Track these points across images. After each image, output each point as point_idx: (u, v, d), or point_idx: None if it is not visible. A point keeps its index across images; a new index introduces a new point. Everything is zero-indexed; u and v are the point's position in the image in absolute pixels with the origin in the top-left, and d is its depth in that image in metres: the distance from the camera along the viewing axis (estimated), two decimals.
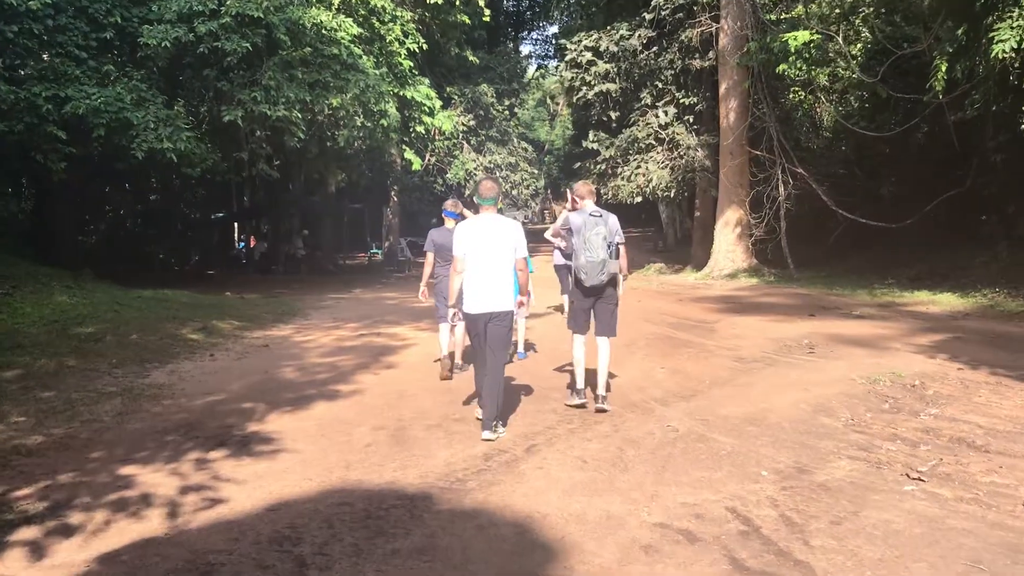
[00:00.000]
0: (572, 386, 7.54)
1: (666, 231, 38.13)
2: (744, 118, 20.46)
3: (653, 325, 12.74)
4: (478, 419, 6.56)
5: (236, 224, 38.27)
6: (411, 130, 20.41)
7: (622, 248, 7.10)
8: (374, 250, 39.68)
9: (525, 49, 49.32)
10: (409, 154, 20.51)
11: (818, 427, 6.35)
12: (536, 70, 52.03)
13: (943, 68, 12.85)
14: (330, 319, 14.63)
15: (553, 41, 50.14)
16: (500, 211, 7.15)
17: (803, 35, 14.84)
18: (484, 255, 6.35)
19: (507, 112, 34.18)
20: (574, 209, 7.46)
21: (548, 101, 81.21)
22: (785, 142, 19.46)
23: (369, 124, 18.33)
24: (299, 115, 16.22)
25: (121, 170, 18.64)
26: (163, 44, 15.26)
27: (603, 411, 6.89)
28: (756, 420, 6.58)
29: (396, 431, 6.57)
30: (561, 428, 6.54)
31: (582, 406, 7.08)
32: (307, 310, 16.19)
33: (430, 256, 9.16)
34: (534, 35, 51.13)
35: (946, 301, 14.08)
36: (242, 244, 36.67)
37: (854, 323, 12.13)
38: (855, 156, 25.19)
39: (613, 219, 7.01)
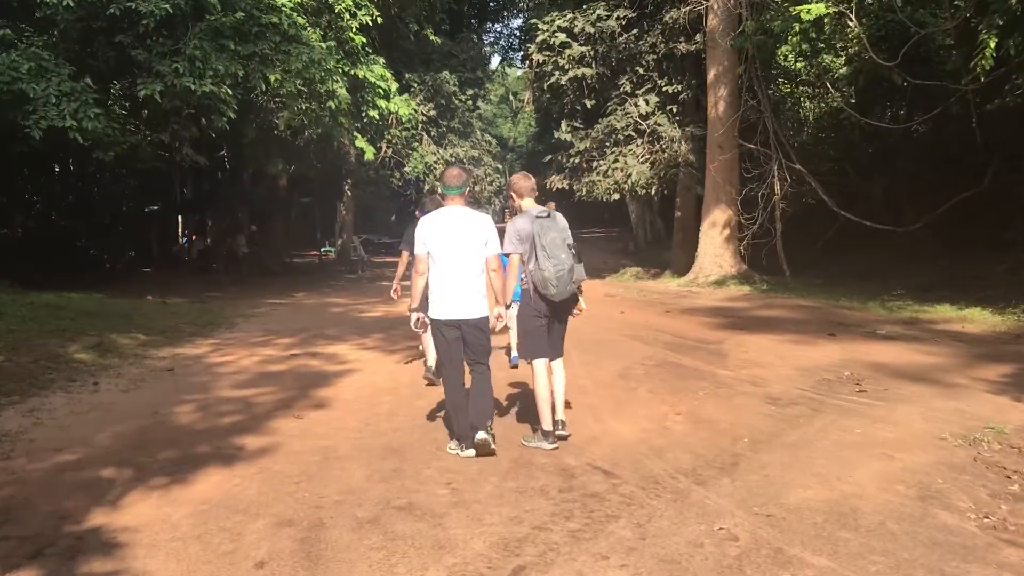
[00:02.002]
0: (539, 427, 5.99)
1: (636, 232, 36.14)
2: (735, 108, 18.47)
3: (646, 345, 10.61)
4: (451, 451, 5.74)
5: (180, 218, 35.65)
6: (363, 115, 18.09)
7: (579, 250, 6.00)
8: (327, 248, 37.29)
9: (488, 42, 46.67)
10: (361, 142, 18.17)
11: (941, 530, 4.23)
12: (500, 62, 49.76)
13: (991, 44, 10.85)
14: (260, 331, 12.31)
15: (517, 34, 47.96)
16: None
17: (818, 7, 12.80)
18: (451, 253, 5.60)
19: (470, 102, 31.90)
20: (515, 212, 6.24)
21: (511, 98, 79.58)
22: (781, 135, 17.45)
23: (314, 106, 15.99)
24: (229, 91, 13.82)
25: (23, 154, 16.05)
26: (65, 2, 12.80)
27: (563, 438, 5.92)
28: (845, 517, 4.44)
29: (308, 533, 4.33)
30: (558, 530, 4.33)
31: (561, 439, 5.94)
32: (236, 319, 13.84)
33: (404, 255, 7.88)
34: (497, 27, 48.47)
35: (980, 318, 12.15)
36: (185, 240, 34.03)
37: (887, 346, 10.13)
38: (843, 153, 23.41)
39: (562, 218, 5.96)
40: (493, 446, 5.62)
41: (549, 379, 5.92)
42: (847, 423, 6.40)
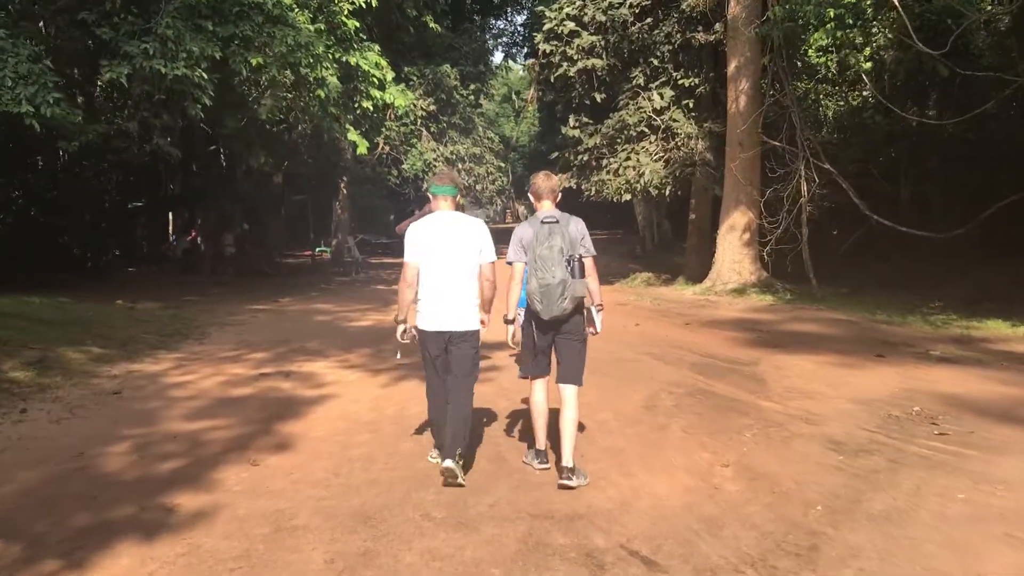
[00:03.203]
0: (533, 445, 5.57)
1: (643, 235, 34.72)
2: (758, 103, 17.09)
3: (671, 367, 9.25)
4: (432, 459, 5.51)
5: (171, 215, 34.30)
6: (356, 106, 16.72)
7: (588, 263, 5.25)
8: (322, 248, 35.96)
9: (491, 37, 45.15)
10: (353, 135, 16.76)
11: None
12: (503, 59, 48.35)
13: None
14: (233, 344, 10.96)
15: (521, 30, 46.57)
16: (461, 207, 5.89)
17: None
18: (442, 261, 5.33)
19: (471, 98, 30.52)
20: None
21: (514, 97, 78.40)
22: (809, 132, 16.08)
23: (302, 94, 14.63)
24: (204, 75, 12.46)
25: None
26: None
27: (568, 488, 5.00)
28: None
29: None
30: None
31: (545, 469, 5.34)
32: (210, 328, 12.50)
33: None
34: (500, 23, 46.98)
35: None
36: (174, 239, 32.62)
37: (949, 372, 8.81)
38: (865, 154, 22.05)
39: (576, 225, 5.27)
40: (461, 479, 5.04)
41: (547, 403, 5.38)
42: (943, 483, 5.05)
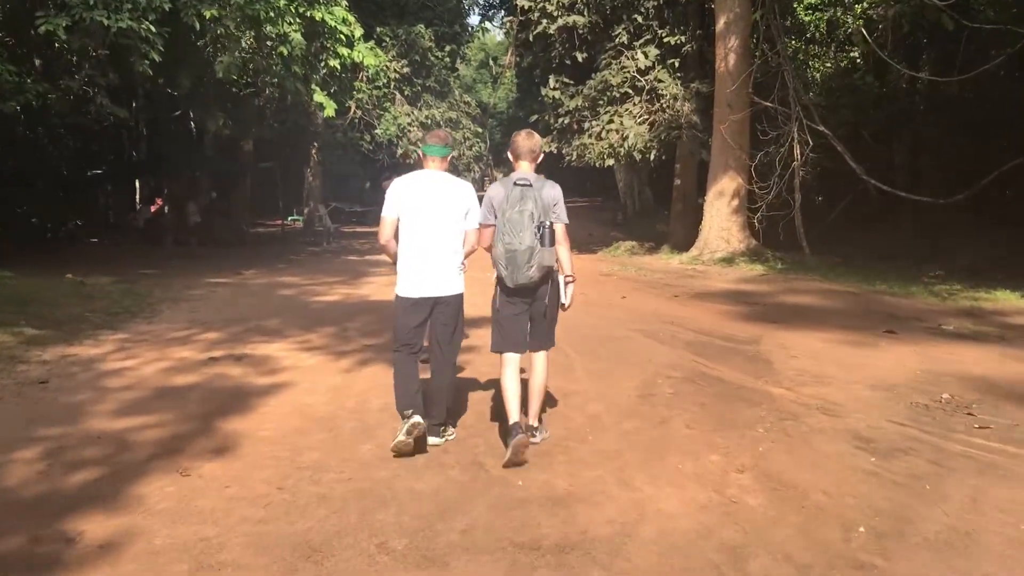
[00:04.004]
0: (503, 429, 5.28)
1: (624, 202, 33.84)
2: (748, 61, 16.18)
3: (664, 346, 8.42)
4: (400, 438, 4.90)
5: (137, 184, 32.91)
6: (322, 64, 15.63)
7: (559, 229, 4.99)
8: (294, 216, 34.86)
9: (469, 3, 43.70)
10: (320, 96, 15.63)
11: None
12: (480, 22, 47.00)
13: None
14: (185, 323, 10.00)
15: None
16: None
17: None
18: (426, 221, 4.92)
19: (447, 59, 29.34)
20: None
21: (491, 63, 77.13)
22: (803, 93, 15.20)
23: (262, 51, 13.54)
24: (152, 28, 11.36)
25: None
26: None
27: (534, 443, 5.03)
28: None
29: None
30: None
31: (518, 463, 4.76)
32: (163, 304, 11.52)
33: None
34: None
35: None
36: (140, 207, 31.25)
37: (969, 349, 8.10)
38: (854, 117, 21.24)
39: (552, 190, 4.99)
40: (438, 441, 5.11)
41: (518, 377, 5.01)
42: (1002, 494, 4.26)
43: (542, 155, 5.21)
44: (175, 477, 4.63)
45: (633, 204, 33.15)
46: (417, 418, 4.83)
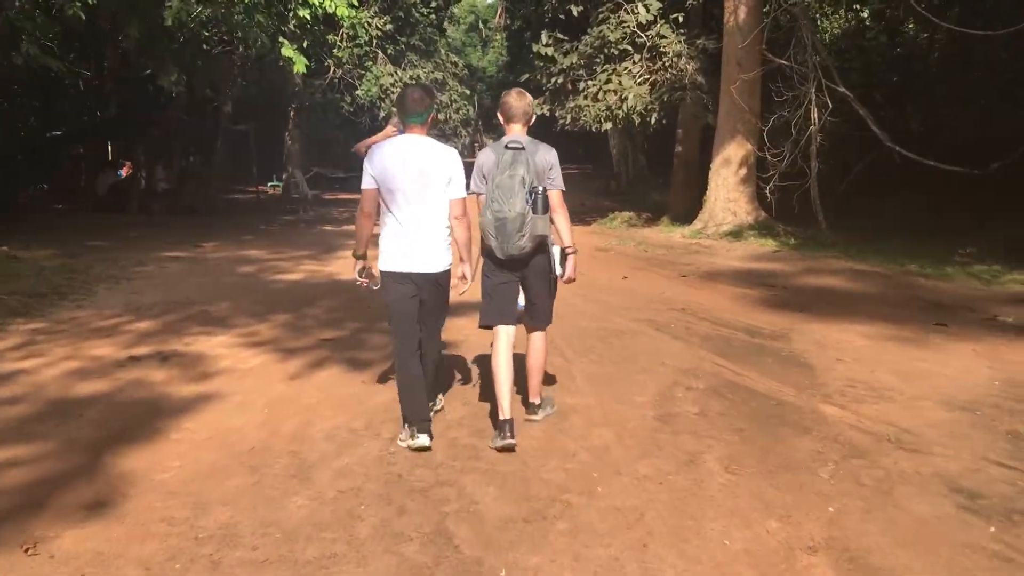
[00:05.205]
0: (493, 415, 4.75)
1: (618, 170, 32.33)
2: (760, 15, 14.70)
3: (679, 342, 7.07)
4: (401, 442, 4.50)
5: (109, 146, 31.18)
6: (290, 14, 14.06)
7: (554, 196, 4.53)
8: (274, 183, 33.24)
9: None
10: (288, 50, 14.01)
11: None
12: None
13: None
14: (118, 307, 8.57)
15: None
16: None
17: None
18: (408, 191, 4.45)
19: (432, 16, 27.68)
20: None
21: (481, 26, 75.32)
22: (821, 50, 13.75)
23: None
24: None
25: None
26: None
27: (534, 421, 4.84)
28: None
29: None
30: None
31: (509, 448, 4.36)
32: (101, 284, 10.08)
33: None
34: None
35: None
36: (119, 172, 29.61)
37: None
38: (866, 79, 19.79)
39: (547, 154, 4.57)
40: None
41: (511, 356, 4.65)
42: None
43: (534, 117, 4.84)
44: (15, 559, 3.28)
45: (627, 172, 31.66)
46: (424, 440, 4.40)
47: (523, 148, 4.47)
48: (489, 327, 4.72)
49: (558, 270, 4.67)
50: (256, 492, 3.94)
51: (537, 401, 4.91)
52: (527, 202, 4.36)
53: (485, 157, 4.59)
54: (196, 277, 10.90)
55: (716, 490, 3.95)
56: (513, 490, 3.94)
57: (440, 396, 5.19)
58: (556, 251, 4.67)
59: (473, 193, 4.61)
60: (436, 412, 4.93)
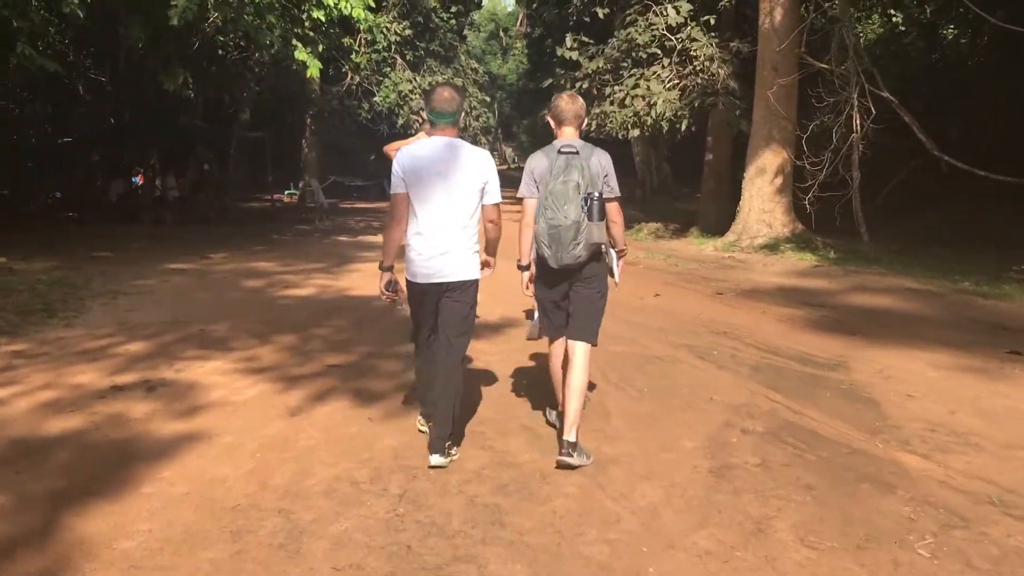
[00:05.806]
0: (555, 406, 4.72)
1: (643, 178, 31.55)
2: (798, 17, 13.96)
3: (726, 373, 6.34)
4: (420, 430, 4.70)
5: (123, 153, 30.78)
6: (304, 15, 13.46)
7: (612, 206, 4.40)
8: (291, 191, 32.76)
9: None
10: (302, 53, 13.38)
11: None
12: None
13: None
14: (109, 328, 7.93)
15: None
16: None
17: None
18: (437, 197, 4.26)
19: (453, 22, 27.09)
20: None
21: (501, 34, 74.87)
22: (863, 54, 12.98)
23: None
24: None
25: None
26: None
27: (568, 466, 4.24)
28: None
29: None
30: None
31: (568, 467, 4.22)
32: (97, 300, 9.45)
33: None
34: None
35: None
36: (134, 180, 29.23)
37: None
38: (903, 86, 19.03)
39: (600, 158, 4.41)
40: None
41: (562, 370, 4.55)
42: None
43: (585, 119, 4.67)
44: None
45: (651, 180, 30.88)
46: (437, 459, 4.27)
47: (577, 152, 4.31)
48: (534, 338, 5.06)
49: (617, 278, 4.56)
50: (235, 567, 3.25)
51: (574, 439, 4.30)
52: (582, 209, 4.22)
53: (537, 162, 4.43)
54: (199, 292, 10.27)
55: (794, 570, 3.22)
56: (545, 569, 3.23)
57: (455, 448, 4.50)
58: (614, 257, 4.51)
59: (525, 198, 4.46)
60: (452, 460, 4.36)
